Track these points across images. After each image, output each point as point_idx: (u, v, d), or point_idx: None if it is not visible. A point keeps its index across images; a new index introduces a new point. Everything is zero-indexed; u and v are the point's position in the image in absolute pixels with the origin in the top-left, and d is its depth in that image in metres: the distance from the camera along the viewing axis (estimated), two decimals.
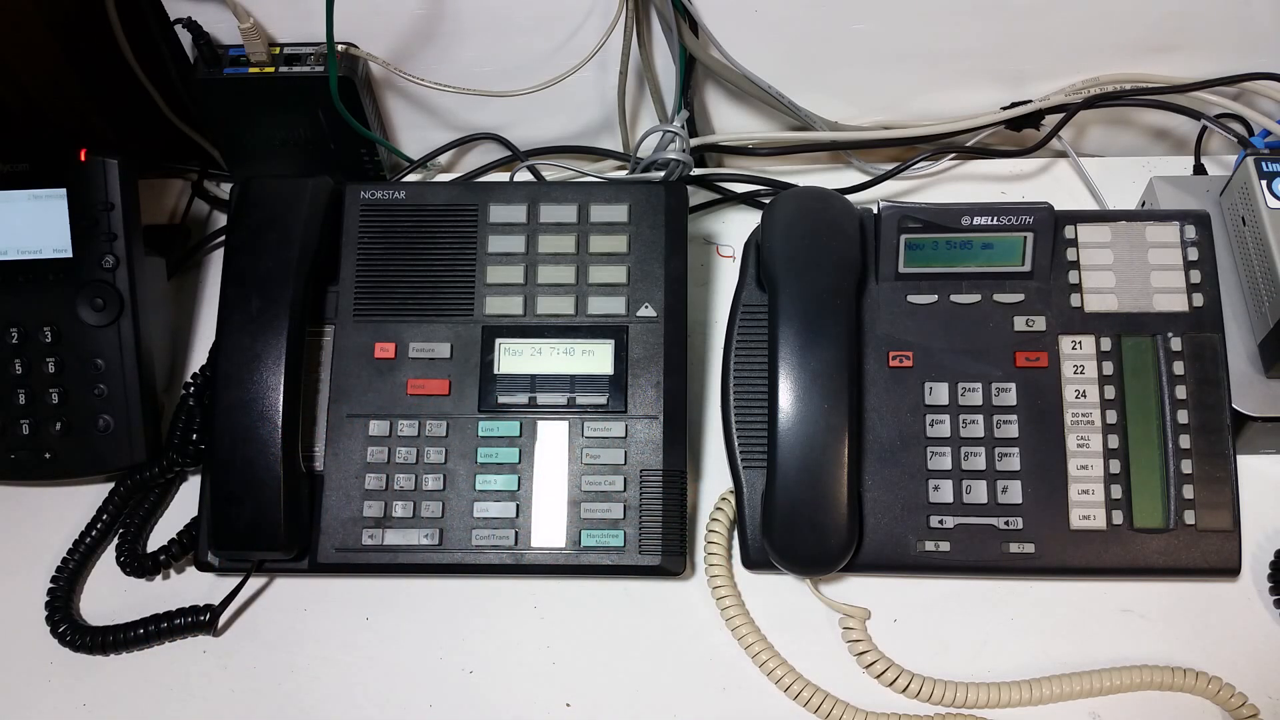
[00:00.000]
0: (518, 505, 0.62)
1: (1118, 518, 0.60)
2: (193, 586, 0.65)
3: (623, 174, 0.79)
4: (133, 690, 0.62)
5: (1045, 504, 0.61)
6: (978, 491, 0.61)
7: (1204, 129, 0.76)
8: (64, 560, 0.65)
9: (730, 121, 0.81)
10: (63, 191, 0.67)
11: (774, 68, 0.75)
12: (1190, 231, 0.64)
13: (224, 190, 0.82)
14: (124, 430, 0.66)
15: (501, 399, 0.64)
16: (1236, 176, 0.67)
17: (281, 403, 0.60)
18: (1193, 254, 0.64)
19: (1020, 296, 0.64)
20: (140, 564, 0.65)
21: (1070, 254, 0.64)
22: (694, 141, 0.77)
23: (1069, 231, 0.64)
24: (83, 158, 0.67)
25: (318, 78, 0.71)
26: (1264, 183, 0.65)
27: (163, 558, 0.65)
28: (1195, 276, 0.63)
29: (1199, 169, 0.76)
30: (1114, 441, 0.61)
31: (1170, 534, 0.60)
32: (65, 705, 0.62)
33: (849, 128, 0.79)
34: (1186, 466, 0.60)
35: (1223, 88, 0.75)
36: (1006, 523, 0.61)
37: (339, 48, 0.72)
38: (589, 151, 0.81)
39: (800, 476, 0.58)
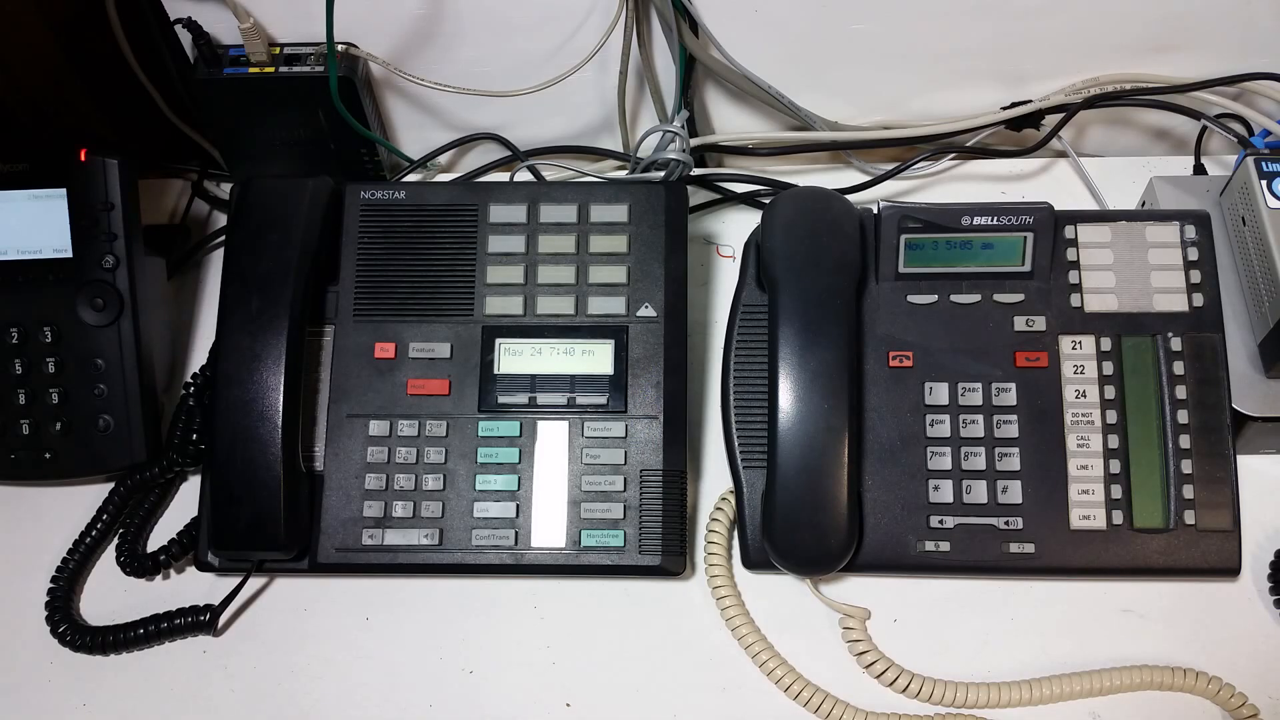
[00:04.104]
0: (518, 505, 0.62)
1: (1118, 518, 0.60)
2: (193, 586, 0.65)
3: (623, 174, 0.79)
4: (133, 690, 0.62)
5: (1045, 504, 0.61)
6: (978, 491, 0.61)
7: (1204, 129, 0.76)
8: (64, 560, 0.65)
9: (730, 121, 0.81)
10: (63, 191, 0.67)
11: (774, 68, 0.75)
12: (1190, 231, 0.64)
13: (224, 190, 0.82)
14: (124, 430, 0.66)
15: (501, 399, 0.64)
16: (1236, 176, 0.67)
17: (281, 403, 0.60)
18: (1193, 254, 0.64)
19: (1020, 296, 0.64)
20: (140, 564, 0.65)
21: (1070, 254, 0.64)
22: (694, 141, 0.77)
23: (1069, 231, 0.64)
24: (83, 158, 0.67)
25: (318, 78, 0.71)
26: (1264, 183, 0.65)
27: (163, 558, 0.65)
28: (1195, 276, 0.63)
29: (1199, 169, 0.76)
30: (1114, 441, 0.61)
31: (1170, 534, 0.60)
32: (65, 705, 0.62)
33: (849, 128, 0.79)
34: (1186, 466, 0.60)
35: (1223, 88, 0.75)
36: (1006, 523, 0.61)
37: (339, 48, 0.72)
38: (589, 151, 0.81)
39: (800, 476, 0.58)
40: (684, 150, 0.70)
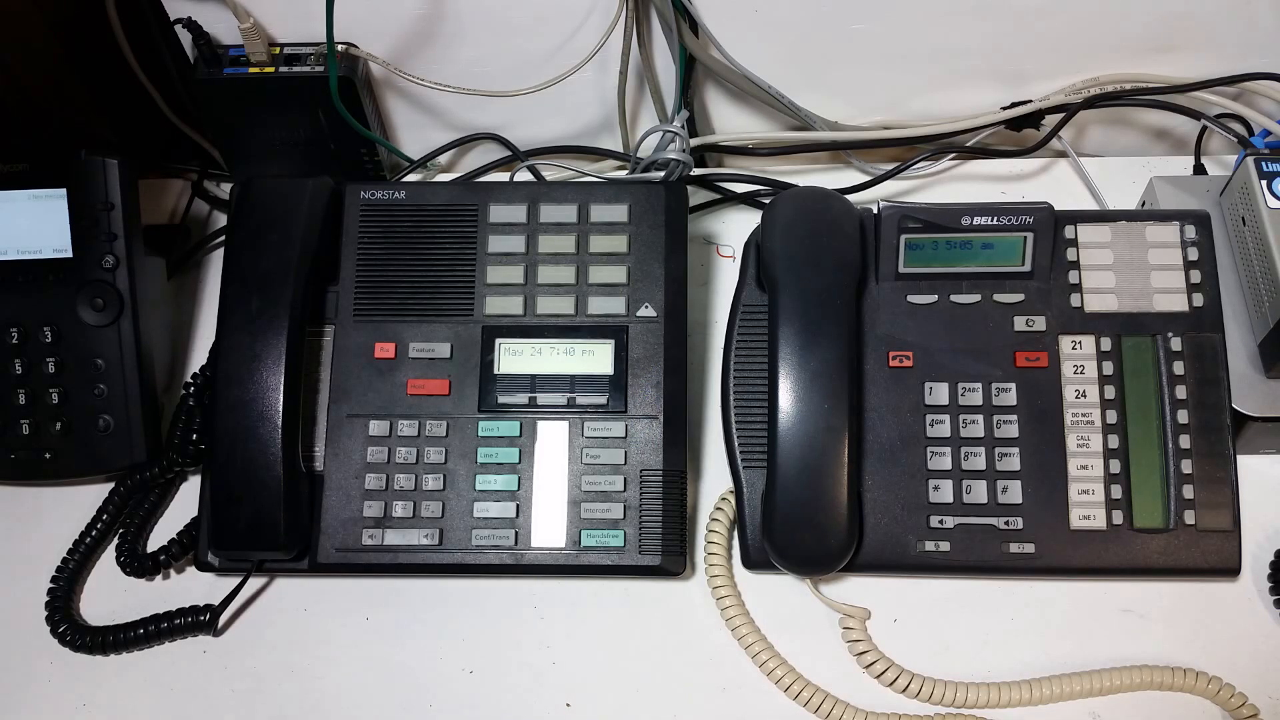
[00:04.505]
0: (518, 505, 0.62)
1: (1118, 518, 0.60)
2: (193, 586, 0.65)
3: (623, 174, 0.79)
4: (133, 690, 0.62)
5: (1045, 504, 0.61)
6: (978, 491, 0.61)
7: (1204, 129, 0.76)
8: (64, 560, 0.65)
9: (730, 121, 0.81)
10: (63, 191, 0.67)
11: (774, 68, 0.75)
12: (1190, 231, 0.64)
13: (224, 190, 0.82)
14: (124, 430, 0.66)
15: (501, 399, 0.64)
16: (1236, 176, 0.67)
17: (281, 403, 0.60)
18: (1193, 254, 0.64)
19: (1020, 296, 0.64)
20: (140, 564, 0.65)
21: (1070, 254, 0.64)
22: (694, 141, 0.77)
23: (1069, 231, 0.64)
24: (83, 158, 0.67)
25: (318, 78, 0.71)
26: (1264, 183, 0.65)
27: (163, 558, 0.65)
28: (1195, 276, 0.63)
29: (1199, 169, 0.76)
30: (1114, 441, 0.61)
31: (1170, 534, 0.60)
32: (65, 705, 0.62)
33: (849, 128, 0.79)
34: (1186, 466, 0.60)
35: (1223, 88, 0.75)
36: (1006, 523, 0.61)
37: (339, 48, 0.72)
38: (589, 151, 0.81)
39: (800, 476, 0.58)
40: (684, 150, 0.70)
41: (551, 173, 0.79)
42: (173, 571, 0.66)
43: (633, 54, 0.73)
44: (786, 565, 0.60)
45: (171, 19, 0.71)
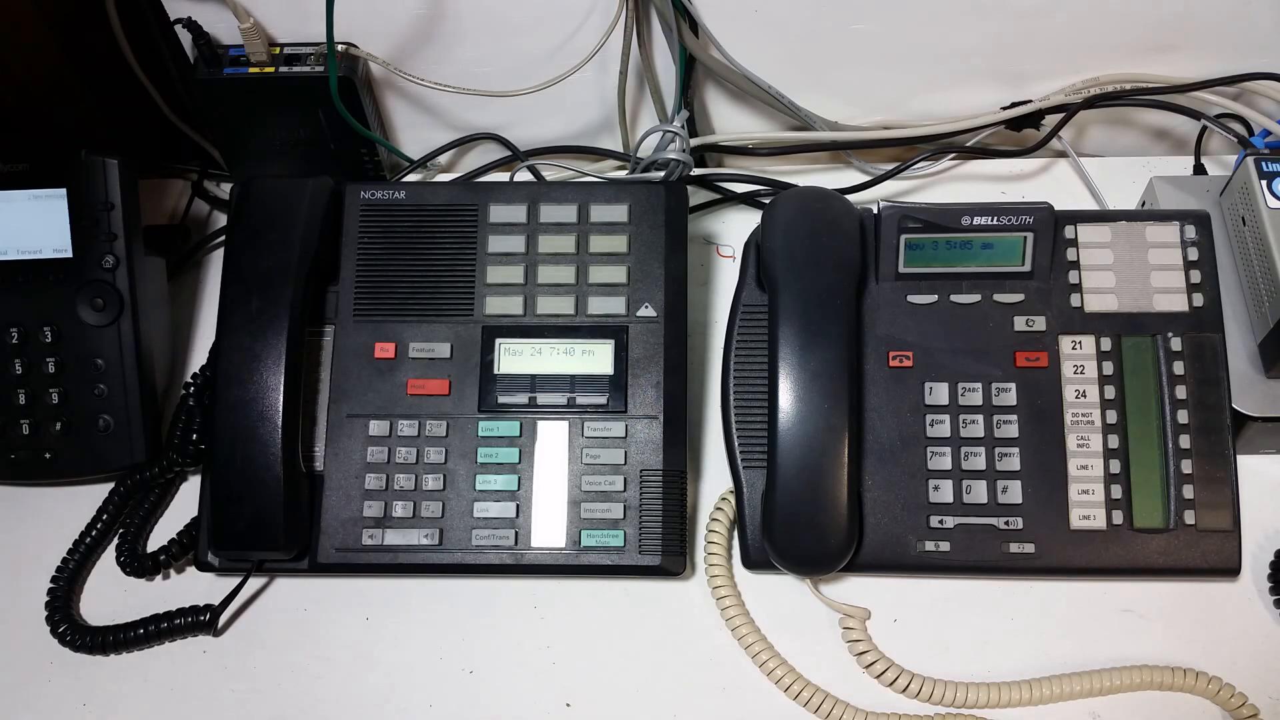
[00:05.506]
0: (518, 505, 0.62)
1: (1118, 518, 0.60)
2: (193, 586, 0.65)
3: (623, 174, 0.79)
4: (133, 690, 0.62)
5: (1045, 504, 0.61)
6: (978, 491, 0.61)
7: (1204, 129, 0.76)
8: (64, 560, 0.65)
9: (730, 121, 0.81)
10: (63, 191, 0.67)
11: (774, 68, 0.75)
12: (1190, 231, 0.64)
13: (224, 190, 0.82)
14: (124, 430, 0.66)
15: (501, 399, 0.64)
16: (1236, 176, 0.67)
17: (281, 403, 0.60)
18: (1193, 254, 0.64)
19: (1020, 296, 0.64)
20: (140, 564, 0.65)
21: (1070, 254, 0.64)
22: (694, 141, 0.77)
23: (1069, 231, 0.64)
24: (83, 158, 0.67)
25: (318, 78, 0.71)
26: (1264, 183, 0.65)
27: (163, 558, 0.65)
28: (1195, 276, 0.63)
29: (1199, 169, 0.76)
30: (1114, 441, 0.61)
31: (1170, 534, 0.60)
32: (65, 705, 0.62)
33: (849, 128, 0.79)
34: (1186, 466, 0.60)
35: (1223, 88, 0.75)
36: (1006, 523, 0.61)
37: (339, 48, 0.72)
38: (589, 151, 0.81)
39: (800, 476, 0.58)
40: (684, 150, 0.70)
41: (551, 173, 0.79)
42: (173, 571, 0.66)
43: (633, 54, 0.73)
44: (786, 565, 0.60)
45: (171, 19, 0.71)
